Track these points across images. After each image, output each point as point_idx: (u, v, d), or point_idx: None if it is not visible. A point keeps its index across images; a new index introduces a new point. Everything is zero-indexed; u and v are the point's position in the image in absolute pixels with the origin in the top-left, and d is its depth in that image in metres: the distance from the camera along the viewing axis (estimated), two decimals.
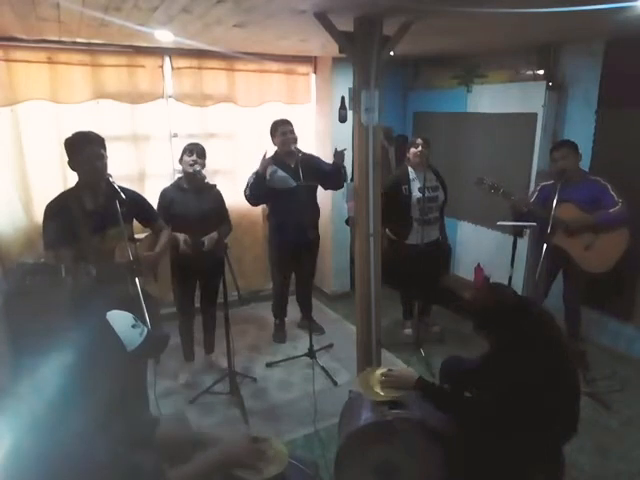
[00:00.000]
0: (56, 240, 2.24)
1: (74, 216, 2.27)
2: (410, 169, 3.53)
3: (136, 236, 2.61)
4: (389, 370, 2.02)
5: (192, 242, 2.92)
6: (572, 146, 3.05)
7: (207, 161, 3.14)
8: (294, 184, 3.32)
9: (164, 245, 2.62)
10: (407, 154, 3.53)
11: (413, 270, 3.53)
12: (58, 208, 2.30)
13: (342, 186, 3.48)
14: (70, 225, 2.25)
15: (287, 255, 3.60)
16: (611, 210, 2.94)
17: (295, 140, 3.41)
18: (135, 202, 2.51)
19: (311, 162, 3.50)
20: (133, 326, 1.36)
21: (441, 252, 3.73)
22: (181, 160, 3.07)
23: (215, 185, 3.25)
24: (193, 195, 3.05)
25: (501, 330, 1.79)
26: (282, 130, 3.40)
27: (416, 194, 3.47)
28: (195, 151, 3.02)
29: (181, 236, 2.89)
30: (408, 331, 3.87)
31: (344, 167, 3.48)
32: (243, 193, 3.43)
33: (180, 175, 3.15)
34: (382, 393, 1.95)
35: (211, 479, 1.36)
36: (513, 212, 3.21)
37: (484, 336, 1.87)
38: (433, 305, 3.95)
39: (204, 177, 3.06)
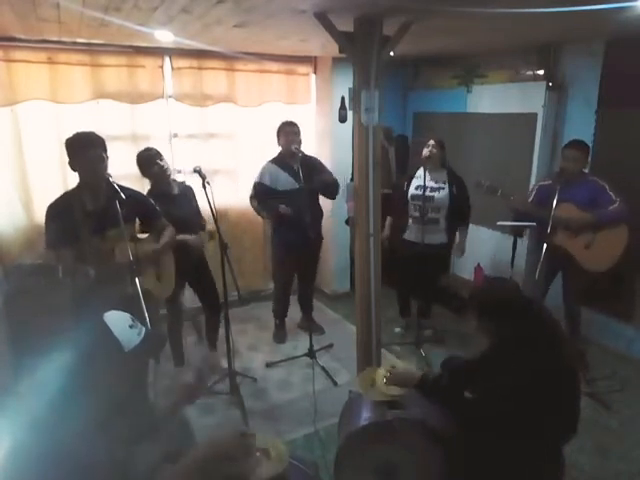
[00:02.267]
0: (57, 240, 2.25)
1: (75, 216, 2.28)
2: (422, 168, 3.54)
3: (138, 236, 2.62)
4: (392, 367, 2.02)
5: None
6: (586, 150, 3.05)
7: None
8: (297, 186, 3.33)
9: (167, 243, 2.62)
10: (422, 155, 3.55)
11: (409, 267, 3.56)
12: (60, 208, 2.31)
13: (334, 198, 3.63)
14: (71, 225, 2.26)
15: (289, 256, 3.60)
16: (611, 208, 2.96)
17: (298, 142, 3.41)
18: (137, 201, 2.52)
19: (312, 164, 3.51)
20: (131, 326, 1.36)
21: (439, 256, 3.67)
22: (152, 168, 2.98)
23: (184, 182, 3.24)
24: (175, 199, 3.03)
25: (502, 323, 1.78)
26: (286, 131, 3.42)
27: (411, 191, 3.52)
28: (160, 155, 3.00)
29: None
30: (398, 330, 3.87)
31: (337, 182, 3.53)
32: (249, 201, 3.50)
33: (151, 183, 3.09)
34: (386, 389, 1.94)
35: (202, 475, 1.36)
36: (512, 212, 3.21)
37: (485, 332, 1.86)
38: (433, 305, 3.94)
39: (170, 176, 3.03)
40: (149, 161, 2.96)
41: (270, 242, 3.74)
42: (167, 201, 2.94)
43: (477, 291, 1.96)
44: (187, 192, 3.16)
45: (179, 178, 3.49)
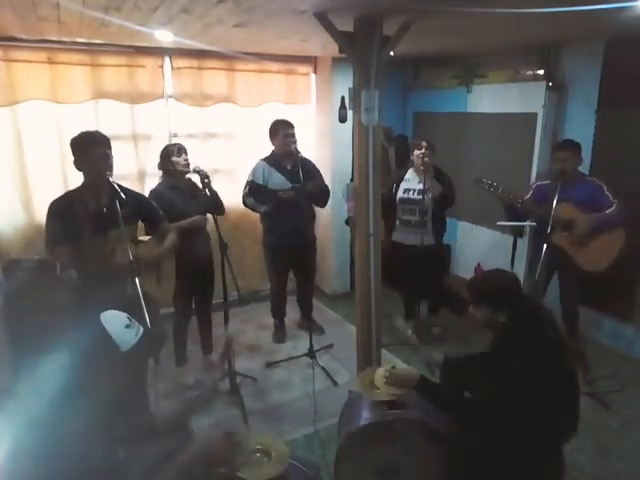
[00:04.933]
0: (57, 238, 2.25)
1: (77, 215, 2.28)
2: (411, 170, 3.54)
3: (140, 238, 2.62)
4: (392, 368, 2.02)
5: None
6: (576, 148, 3.04)
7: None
8: (289, 185, 3.33)
9: (168, 247, 2.61)
10: (411, 156, 3.53)
11: (400, 269, 3.57)
12: (62, 206, 2.31)
13: (324, 206, 3.66)
14: (72, 224, 2.26)
15: (281, 256, 3.59)
16: (607, 211, 2.96)
17: (296, 142, 3.40)
18: (140, 204, 2.52)
19: (307, 167, 3.50)
20: (127, 326, 1.36)
21: (433, 257, 3.63)
22: (165, 162, 3.01)
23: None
24: (185, 195, 3.03)
25: (500, 311, 1.78)
26: (284, 132, 3.39)
27: (400, 194, 3.51)
28: (182, 151, 3.01)
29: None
30: (408, 332, 3.86)
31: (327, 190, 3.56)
32: (242, 200, 3.47)
33: (164, 176, 3.08)
34: (384, 390, 1.94)
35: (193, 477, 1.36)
36: (505, 207, 3.19)
37: (483, 321, 1.86)
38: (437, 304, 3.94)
39: (207, 174, 2.95)
40: (186, 152, 3.05)
41: (262, 242, 3.72)
42: (191, 193, 3.02)
43: (477, 279, 1.94)
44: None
45: None
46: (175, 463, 1.33)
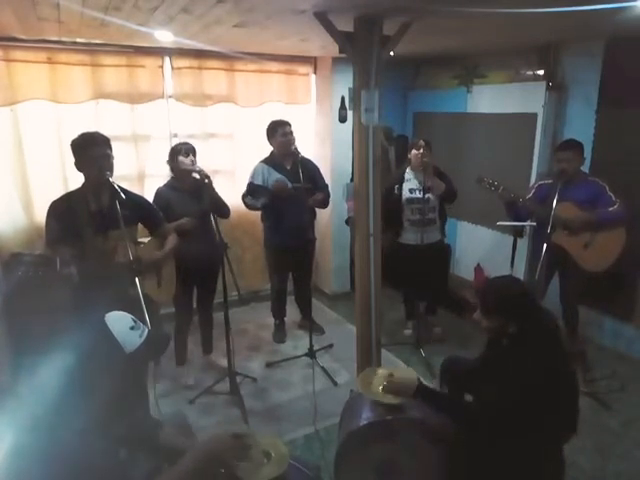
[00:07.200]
0: (57, 238, 2.25)
1: (77, 216, 2.28)
2: (409, 170, 3.54)
3: (140, 239, 2.61)
4: (390, 375, 2.01)
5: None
6: (578, 148, 3.04)
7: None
8: (290, 185, 3.33)
9: (170, 250, 2.61)
10: (408, 155, 3.54)
11: (409, 269, 3.55)
12: (62, 207, 2.32)
13: (326, 207, 3.66)
14: (73, 224, 2.27)
15: (282, 256, 3.59)
16: (610, 209, 2.96)
17: (294, 141, 3.40)
18: (140, 206, 2.52)
19: (309, 167, 3.51)
20: (132, 327, 1.35)
21: (440, 254, 3.66)
22: (173, 161, 3.02)
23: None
24: (189, 195, 3.02)
25: (515, 323, 1.76)
26: (283, 131, 3.38)
27: (406, 194, 3.50)
28: (190, 151, 3.01)
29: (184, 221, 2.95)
30: (408, 332, 3.86)
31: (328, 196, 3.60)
32: (242, 200, 3.46)
33: (171, 175, 3.09)
34: (383, 397, 1.93)
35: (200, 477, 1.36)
36: (506, 206, 3.19)
37: (492, 332, 1.85)
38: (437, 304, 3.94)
39: (207, 175, 2.92)
40: (195, 152, 3.03)
41: (263, 243, 3.71)
42: (192, 194, 3.00)
43: (492, 287, 1.90)
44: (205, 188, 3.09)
45: None
46: (179, 463, 1.32)
